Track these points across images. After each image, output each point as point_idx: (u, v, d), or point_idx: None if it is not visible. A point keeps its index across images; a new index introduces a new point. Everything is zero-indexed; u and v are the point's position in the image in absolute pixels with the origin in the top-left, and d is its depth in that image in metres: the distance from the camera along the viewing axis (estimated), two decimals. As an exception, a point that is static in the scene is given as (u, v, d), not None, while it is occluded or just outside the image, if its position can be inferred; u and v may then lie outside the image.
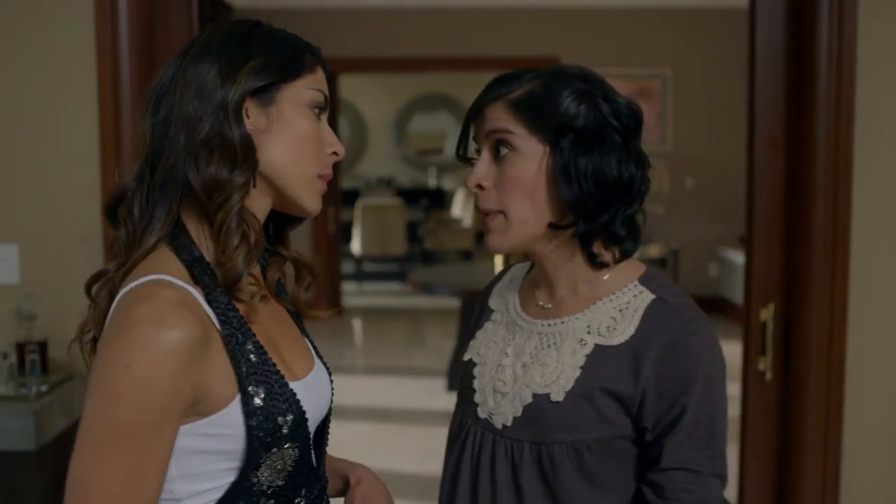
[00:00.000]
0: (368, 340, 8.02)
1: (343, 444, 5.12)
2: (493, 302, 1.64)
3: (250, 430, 1.20)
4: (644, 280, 1.44)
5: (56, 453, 2.48)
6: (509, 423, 1.45)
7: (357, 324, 8.74)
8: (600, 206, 1.39)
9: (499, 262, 5.75)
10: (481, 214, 1.46)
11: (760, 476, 2.61)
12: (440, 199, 13.36)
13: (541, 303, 1.50)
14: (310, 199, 1.32)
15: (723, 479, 1.38)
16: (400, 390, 6.15)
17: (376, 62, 8.25)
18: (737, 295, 7.57)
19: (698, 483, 1.35)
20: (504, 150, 1.40)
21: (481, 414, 1.50)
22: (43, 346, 2.55)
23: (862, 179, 2.45)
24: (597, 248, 1.43)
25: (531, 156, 1.39)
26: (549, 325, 1.47)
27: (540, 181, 1.39)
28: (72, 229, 2.59)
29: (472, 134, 1.47)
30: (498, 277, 1.72)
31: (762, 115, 2.52)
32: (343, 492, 1.55)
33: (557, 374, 1.42)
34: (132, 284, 1.19)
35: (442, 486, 1.57)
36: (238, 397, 1.20)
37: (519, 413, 1.44)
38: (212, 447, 1.20)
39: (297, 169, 1.29)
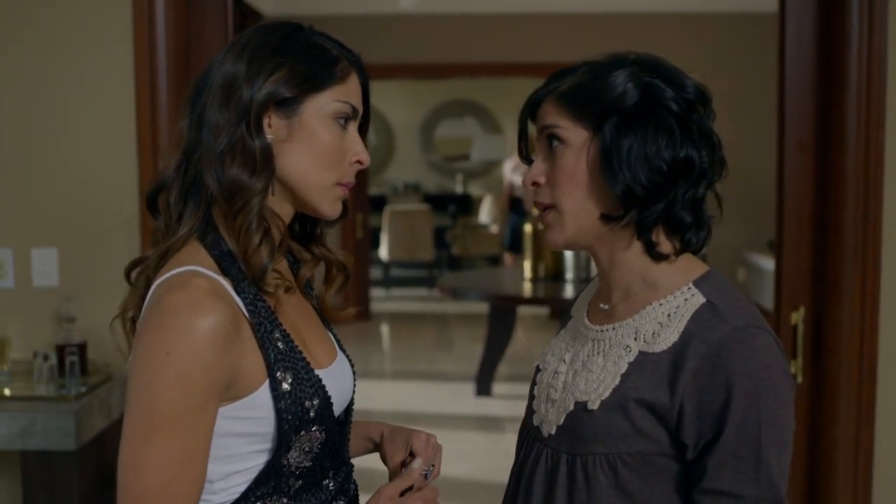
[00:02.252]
0: (396, 345, 8.05)
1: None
2: (573, 309, 1.57)
3: (279, 414, 1.25)
4: (699, 282, 1.34)
5: (96, 453, 2.52)
6: (553, 432, 1.39)
7: (385, 329, 8.77)
8: (652, 193, 1.29)
9: (527, 268, 5.76)
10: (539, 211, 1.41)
11: (791, 479, 2.59)
12: (467, 205, 13.36)
13: (601, 305, 1.43)
14: (327, 205, 1.34)
15: (779, 502, 1.27)
16: (428, 395, 6.17)
17: (403, 68, 8.28)
18: (765, 300, 7.53)
19: None
20: (555, 144, 1.35)
21: (535, 421, 1.46)
22: (82, 348, 2.60)
23: (893, 182, 2.45)
24: (657, 236, 1.34)
25: (576, 145, 1.33)
26: (603, 330, 1.40)
27: (583, 170, 1.32)
28: (110, 233, 2.64)
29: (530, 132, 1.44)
30: (588, 285, 1.63)
31: (792, 118, 2.52)
32: (373, 450, 1.59)
33: (599, 381, 1.35)
34: (166, 275, 1.23)
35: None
36: (267, 382, 1.25)
37: (561, 421, 1.38)
38: (244, 430, 1.25)
39: (315, 178, 1.31)
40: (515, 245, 8.45)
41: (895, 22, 2.41)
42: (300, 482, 1.31)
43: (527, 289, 5.68)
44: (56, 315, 2.66)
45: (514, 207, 9.07)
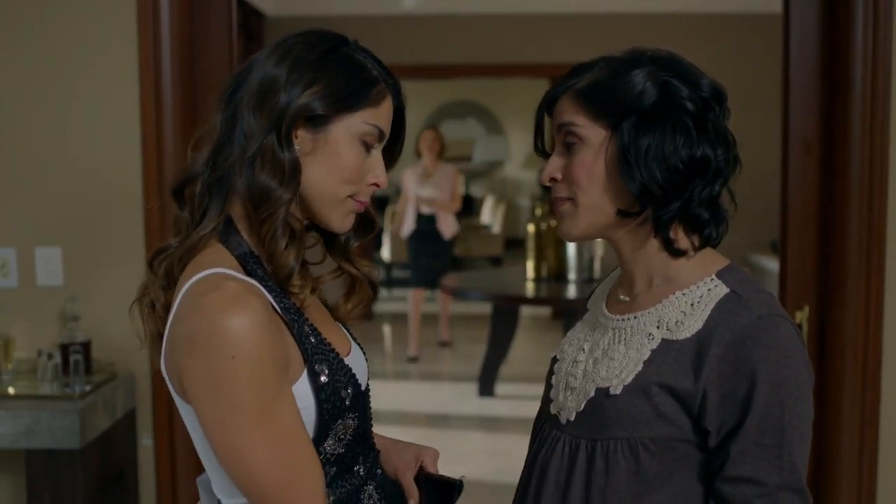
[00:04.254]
0: (398, 346, 8.03)
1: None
2: (590, 301, 1.59)
3: (320, 405, 1.28)
4: (722, 274, 1.37)
5: (100, 451, 2.52)
6: (572, 419, 1.41)
7: (387, 329, 8.77)
8: (669, 191, 1.32)
9: (530, 268, 5.77)
10: (554, 205, 1.43)
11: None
12: (469, 206, 13.36)
13: (621, 297, 1.44)
14: (338, 219, 1.36)
15: (800, 493, 1.28)
16: (430, 395, 6.17)
17: (405, 69, 8.27)
18: (768, 301, 7.53)
19: (764, 497, 1.27)
20: (572, 141, 1.38)
21: (553, 410, 1.47)
22: (86, 347, 2.60)
23: (897, 183, 2.45)
24: (675, 232, 1.36)
25: (594, 143, 1.35)
26: (624, 319, 1.41)
27: (601, 167, 1.34)
28: (114, 232, 2.65)
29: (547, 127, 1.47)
30: (606, 279, 1.65)
31: (796, 118, 2.53)
32: None
33: (622, 367, 1.37)
34: (195, 277, 1.24)
35: None
36: (305, 374, 1.27)
37: (581, 408, 1.40)
38: None
39: (330, 193, 1.33)
40: (423, 274, 7.40)
41: (900, 21, 2.41)
42: (334, 469, 1.34)
43: (529, 289, 5.68)
44: (60, 314, 2.67)
45: (418, 233, 7.46)
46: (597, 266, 5.58)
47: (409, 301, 7.54)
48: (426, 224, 7.44)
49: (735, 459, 1.28)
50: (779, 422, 1.26)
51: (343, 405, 1.31)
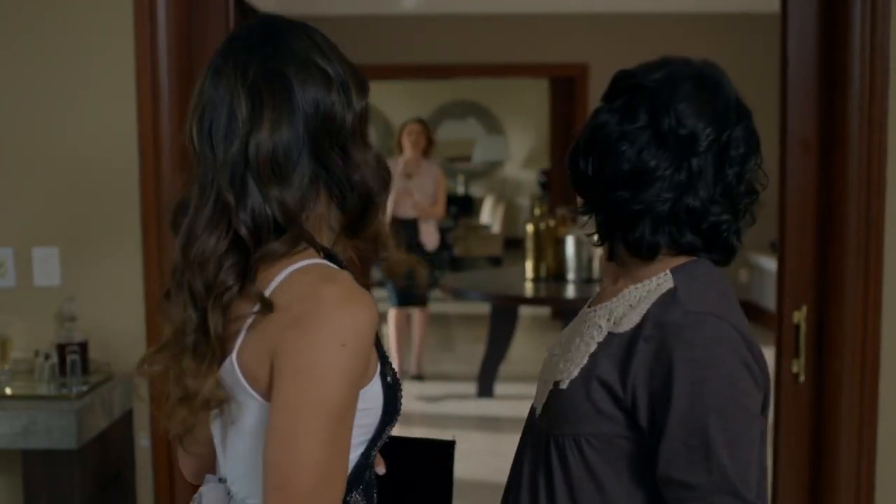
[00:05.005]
0: (397, 346, 8.03)
1: (374, 447, 5.15)
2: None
3: (386, 406, 1.28)
4: (677, 269, 1.37)
5: (97, 452, 2.52)
6: (540, 412, 1.44)
7: (387, 329, 8.77)
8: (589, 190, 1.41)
9: (529, 268, 5.76)
10: None
11: (794, 478, 2.60)
12: (469, 206, 13.38)
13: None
14: None
15: (736, 496, 1.25)
16: (430, 395, 6.16)
17: (405, 69, 8.29)
18: (767, 300, 7.53)
19: (698, 501, 1.25)
20: None
21: (534, 402, 1.50)
22: (83, 347, 2.59)
23: (895, 184, 2.44)
24: (644, 233, 1.37)
25: None
26: (588, 312, 1.45)
27: None
28: (112, 232, 2.64)
29: None
30: None
31: (794, 117, 2.52)
32: None
33: (572, 361, 1.39)
34: (299, 265, 1.24)
35: None
36: (378, 374, 1.27)
37: (544, 401, 1.43)
38: (358, 421, 1.25)
39: None
40: (402, 292, 6.41)
41: (898, 20, 2.41)
42: (368, 473, 1.34)
43: (528, 289, 5.68)
44: (57, 314, 2.66)
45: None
46: (595, 266, 5.57)
47: (389, 322, 6.56)
48: (405, 232, 6.29)
49: (665, 459, 1.27)
50: (702, 423, 1.24)
51: (398, 409, 1.33)
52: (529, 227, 5.78)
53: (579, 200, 1.45)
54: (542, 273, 5.73)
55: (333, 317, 1.17)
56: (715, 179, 1.35)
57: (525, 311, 8.15)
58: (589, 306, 1.48)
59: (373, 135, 12.30)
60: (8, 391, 2.53)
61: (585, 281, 5.56)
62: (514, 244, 11.35)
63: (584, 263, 5.57)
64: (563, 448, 1.35)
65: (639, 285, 1.38)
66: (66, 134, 2.64)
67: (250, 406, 1.25)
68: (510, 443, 5.05)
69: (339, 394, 1.17)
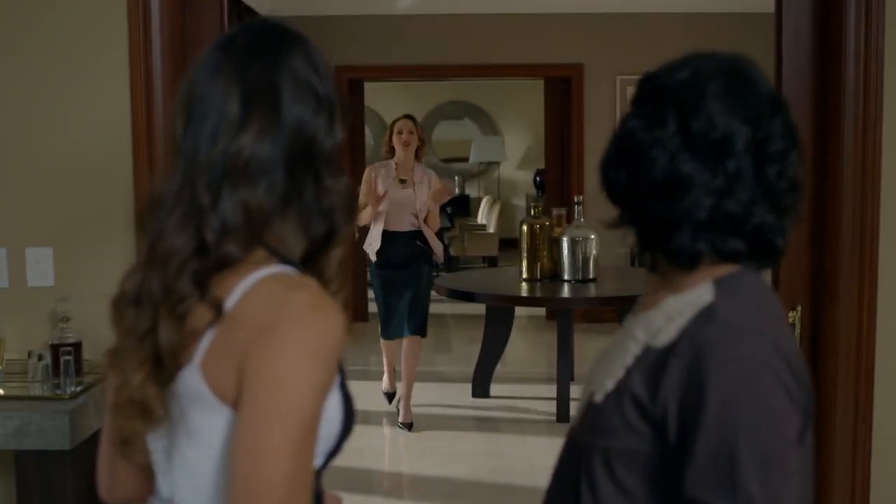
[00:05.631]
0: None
1: (371, 448, 5.14)
2: None
3: (346, 418, 1.26)
4: (720, 281, 1.30)
5: (91, 452, 2.50)
6: (577, 424, 1.39)
7: (382, 330, 8.76)
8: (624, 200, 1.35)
9: (525, 268, 5.76)
10: None
11: (788, 479, 2.60)
12: (465, 206, 13.38)
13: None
14: None
15: None
16: (426, 396, 6.16)
17: (401, 69, 8.29)
18: (763, 301, 7.53)
19: None
20: None
21: (575, 412, 1.45)
22: (77, 348, 2.59)
23: (890, 182, 2.45)
24: (683, 242, 1.29)
25: None
26: (629, 321, 1.40)
27: None
28: (106, 233, 2.64)
29: None
30: None
31: (789, 117, 2.52)
32: None
33: (608, 373, 1.34)
34: (264, 273, 1.22)
35: None
36: (338, 384, 1.25)
37: (582, 411, 1.39)
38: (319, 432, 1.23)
39: None
40: (398, 321, 5.56)
41: (892, 21, 2.41)
42: (317, 485, 1.31)
43: (524, 289, 5.68)
44: (51, 314, 2.66)
45: (387, 259, 5.56)
46: (591, 266, 5.57)
47: (383, 351, 5.86)
48: (403, 246, 5.52)
49: (693, 480, 1.19)
50: (731, 444, 1.17)
51: (355, 419, 1.31)
52: (525, 228, 5.78)
53: (613, 211, 1.38)
54: (538, 273, 5.73)
55: (303, 325, 1.15)
56: (755, 180, 1.27)
57: (521, 311, 8.15)
58: (633, 313, 1.44)
59: (369, 135, 12.20)
60: (1, 392, 2.52)
61: (580, 281, 5.55)
62: (509, 244, 11.35)
63: (579, 264, 5.57)
64: (592, 461, 1.31)
65: (678, 296, 1.31)
66: (60, 134, 2.64)
67: (215, 419, 1.21)
68: (506, 443, 5.08)
69: (311, 404, 1.15)
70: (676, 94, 1.28)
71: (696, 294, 1.29)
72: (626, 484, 1.27)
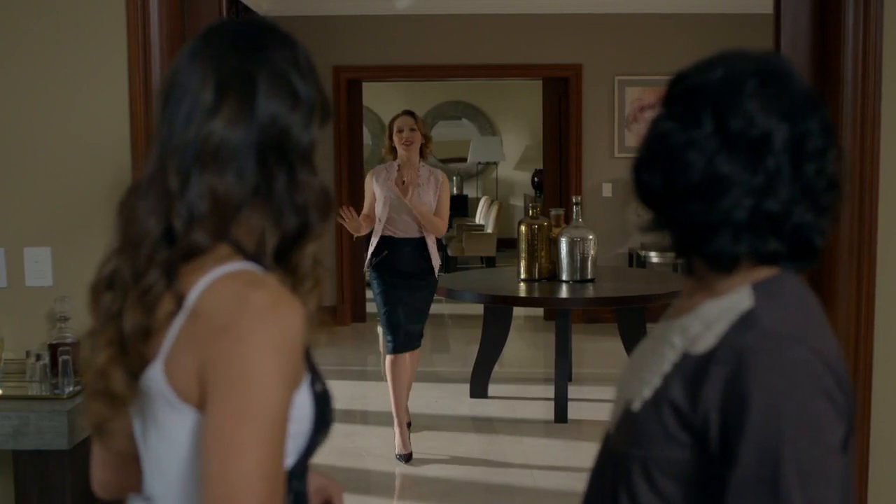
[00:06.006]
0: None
1: (370, 449, 5.13)
2: None
3: (318, 417, 1.27)
4: (758, 285, 1.27)
5: (89, 452, 2.51)
6: (613, 431, 1.36)
7: (380, 330, 8.76)
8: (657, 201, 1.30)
9: (523, 268, 5.76)
10: None
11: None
12: (463, 207, 13.37)
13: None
14: None
15: None
16: (424, 396, 6.16)
17: (399, 69, 8.28)
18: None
19: None
20: None
21: (610, 418, 1.42)
22: (75, 348, 2.58)
23: (888, 182, 2.45)
24: (723, 244, 1.26)
25: None
26: (663, 326, 1.37)
27: None
28: (104, 232, 2.63)
29: None
30: None
31: (787, 118, 2.52)
32: None
33: (644, 381, 1.31)
34: (224, 270, 1.22)
35: None
36: (307, 382, 1.26)
37: (617, 419, 1.35)
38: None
39: None
40: (404, 333, 5.01)
41: (891, 21, 2.41)
42: (296, 485, 1.31)
43: (522, 289, 5.68)
44: (49, 314, 2.66)
45: (389, 267, 5.04)
46: (589, 267, 5.57)
47: (386, 370, 5.17)
48: (408, 255, 5.03)
49: (735, 491, 1.17)
50: (775, 456, 1.14)
51: (330, 419, 1.30)
52: (523, 228, 5.78)
53: (646, 215, 1.34)
54: (536, 273, 5.72)
55: (264, 323, 1.15)
56: (793, 179, 1.24)
57: (518, 311, 8.16)
58: (666, 318, 1.41)
59: (367, 135, 12.12)
60: (-1, 392, 2.52)
61: (578, 281, 5.55)
62: (507, 244, 11.35)
63: (577, 264, 5.57)
64: (631, 471, 1.28)
65: (715, 301, 1.29)
66: (58, 134, 2.64)
67: (177, 418, 1.22)
68: (503, 443, 5.07)
69: (278, 399, 1.15)
70: (712, 93, 1.25)
71: (735, 299, 1.27)
72: (666, 493, 1.25)
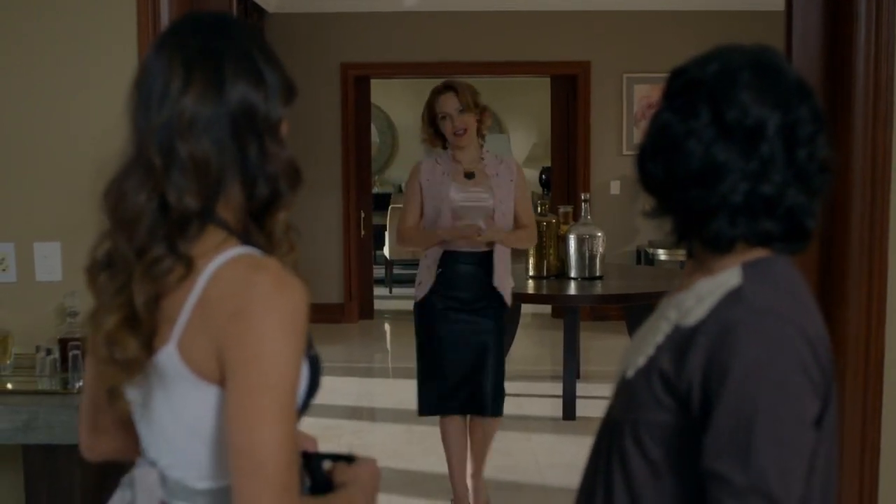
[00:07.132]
0: (399, 343, 8.02)
1: (375, 445, 5.14)
2: None
3: (311, 379, 1.37)
4: (748, 265, 1.36)
5: (98, 447, 2.51)
6: (612, 401, 1.47)
7: (387, 327, 8.76)
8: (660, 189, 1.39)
9: (531, 265, 5.75)
10: None
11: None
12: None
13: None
14: None
15: (769, 500, 1.22)
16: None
17: (406, 66, 8.28)
18: (769, 300, 7.51)
19: (734, 497, 1.23)
20: None
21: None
22: (85, 343, 2.59)
23: (900, 180, 2.44)
24: (721, 227, 1.35)
25: None
26: (664, 302, 1.47)
27: None
28: (114, 228, 2.64)
29: None
30: None
31: (799, 115, 2.51)
32: None
33: (640, 351, 1.41)
34: (229, 254, 1.30)
35: None
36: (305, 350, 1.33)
37: (615, 390, 1.46)
38: None
39: None
40: (458, 389, 3.96)
41: (903, 19, 2.40)
42: None
43: (530, 286, 5.67)
44: (59, 309, 2.66)
45: (447, 296, 3.86)
46: (597, 264, 5.56)
47: (442, 435, 4.06)
48: (468, 274, 3.78)
49: (709, 451, 1.26)
50: (749, 420, 1.23)
51: (319, 381, 1.40)
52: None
53: (650, 202, 1.44)
54: (544, 271, 5.72)
55: (272, 305, 1.24)
56: (786, 163, 1.33)
57: (526, 308, 8.14)
58: (665, 298, 1.51)
59: (374, 132, 12.09)
60: (9, 386, 2.53)
61: (587, 279, 5.55)
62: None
63: (585, 261, 5.56)
64: (623, 434, 1.37)
65: (709, 279, 1.38)
66: (67, 129, 2.64)
67: (197, 395, 1.31)
68: (511, 439, 5.04)
69: (292, 373, 1.25)
70: (708, 86, 1.34)
71: (726, 277, 1.35)
72: (651, 456, 1.34)
